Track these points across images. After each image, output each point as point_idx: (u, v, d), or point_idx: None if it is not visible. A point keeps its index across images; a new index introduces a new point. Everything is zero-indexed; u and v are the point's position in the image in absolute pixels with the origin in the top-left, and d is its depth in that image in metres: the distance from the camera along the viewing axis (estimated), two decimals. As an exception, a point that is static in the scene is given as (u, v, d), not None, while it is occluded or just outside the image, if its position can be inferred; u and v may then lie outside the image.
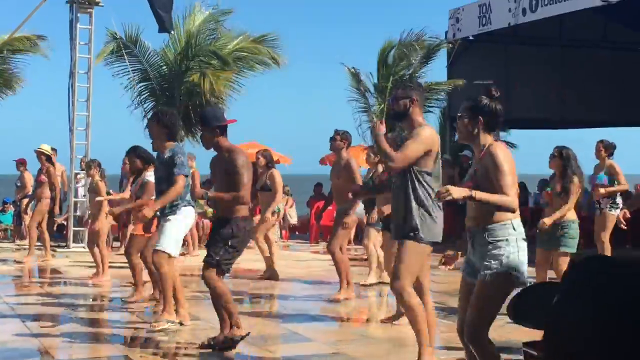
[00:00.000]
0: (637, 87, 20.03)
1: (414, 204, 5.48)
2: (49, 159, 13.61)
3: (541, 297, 1.17)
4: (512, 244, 4.44)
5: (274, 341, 7.17)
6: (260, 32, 18.99)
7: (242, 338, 6.47)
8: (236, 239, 6.39)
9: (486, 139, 4.62)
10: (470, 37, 18.83)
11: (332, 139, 9.25)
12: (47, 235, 13.23)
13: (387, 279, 9.58)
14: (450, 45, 18.77)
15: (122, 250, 11.74)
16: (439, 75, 19.85)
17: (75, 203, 15.14)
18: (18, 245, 15.60)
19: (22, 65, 18.98)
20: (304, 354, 6.53)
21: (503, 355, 5.63)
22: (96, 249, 10.74)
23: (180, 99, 17.89)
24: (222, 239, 6.40)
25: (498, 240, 4.44)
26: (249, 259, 11.22)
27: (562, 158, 7.98)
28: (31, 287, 10.46)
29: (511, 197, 4.40)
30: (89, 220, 11.15)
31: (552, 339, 1.10)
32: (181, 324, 7.47)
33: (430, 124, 6.14)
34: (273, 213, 10.82)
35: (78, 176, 15.19)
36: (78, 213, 14.98)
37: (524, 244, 4.53)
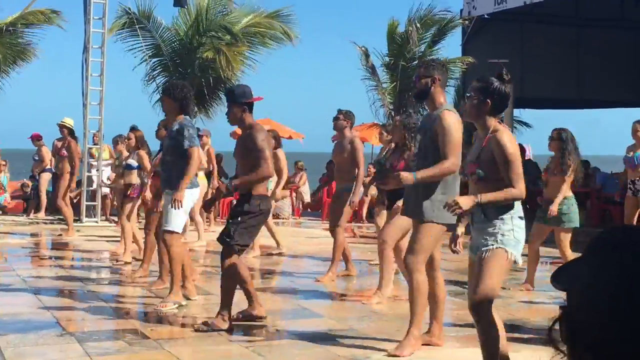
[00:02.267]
0: (653, 67, 19.86)
1: (432, 186, 5.51)
2: (71, 132, 13.62)
3: (578, 266, 1.18)
4: (508, 222, 4.55)
5: (284, 317, 7.20)
6: (274, 8, 18.95)
7: (259, 318, 6.56)
8: (249, 215, 6.37)
9: (491, 121, 4.65)
10: (486, 16, 18.68)
11: (336, 118, 9.24)
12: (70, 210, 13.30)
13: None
14: (466, 22, 18.63)
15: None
16: (454, 53, 19.76)
17: (89, 177, 15.19)
18: (31, 219, 15.67)
19: (36, 39, 19.00)
20: (314, 329, 6.55)
21: (510, 334, 5.67)
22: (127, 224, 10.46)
23: (195, 74, 17.87)
24: (235, 216, 6.42)
25: (494, 219, 4.55)
26: (260, 235, 11.24)
27: (561, 140, 8.05)
28: (44, 261, 10.53)
29: (518, 189, 4.50)
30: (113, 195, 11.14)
31: (573, 308, 1.10)
32: (188, 298, 7.51)
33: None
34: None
35: (91, 151, 15.24)
36: (91, 187, 15.05)
37: (521, 222, 4.63)
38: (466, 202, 4.48)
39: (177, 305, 7.23)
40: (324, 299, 8.22)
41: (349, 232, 13.29)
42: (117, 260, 10.15)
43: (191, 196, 7.44)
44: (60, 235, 13.01)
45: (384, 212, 10.18)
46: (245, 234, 6.40)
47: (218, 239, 6.55)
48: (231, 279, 6.43)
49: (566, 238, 8.11)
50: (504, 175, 4.51)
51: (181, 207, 7.13)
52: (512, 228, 4.55)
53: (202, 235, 11.93)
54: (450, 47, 26.05)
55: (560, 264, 1.27)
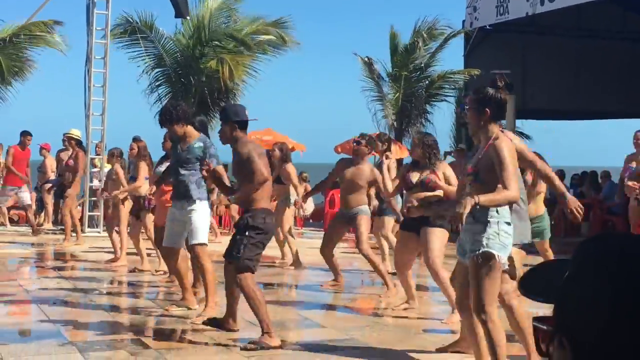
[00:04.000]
0: (655, 78, 19.88)
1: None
2: (79, 143, 13.67)
3: (553, 272, 1.18)
4: (494, 226, 4.68)
5: (286, 327, 7.19)
6: (274, 17, 19.04)
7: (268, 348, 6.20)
8: (254, 230, 6.27)
9: (493, 128, 4.81)
10: (488, 27, 18.73)
11: (358, 143, 8.92)
12: (74, 221, 13.33)
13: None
14: (466, 33, 18.69)
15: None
16: (456, 65, 19.82)
17: (91, 188, 15.21)
18: (36, 229, 15.66)
19: (39, 50, 19.02)
20: (316, 339, 6.55)
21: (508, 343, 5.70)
22: (115, 235, 10.76)
23: (198, 85, 17.91)
24: (239, 232, 6.34)
25: (481, 223, 4.69)
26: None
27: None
28: (47, 271, 10.53)
29: (511, 191, 4.60)
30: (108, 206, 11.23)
31: (561, 316, 1.10)
32: (188, 308, 7.52)
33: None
34: (289, 205, 10.84)
35: (94, 161, 15.27)
36: (94, 198, 15.07)
37: (508, 228, 4.75)
38: (468, 205, 4.53)
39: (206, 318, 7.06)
40: (325, 309, 8.22)
41: (351, 243, 13.28)
42: (135, 269, 10.15)
43: (208, 209, 7.49)
44: (61, 244, 13.03)
45: (387, 219, 10.11)
46: (253, 249, 6.30)
47: (225, 255, 6.47)
48: (251, 298, 6.22)
49: (548, 248, 8.39)
50: (499, 179, 4.62)
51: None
52: (498, 232, 4.68)
53: None
54: (453, 58, 26.11)
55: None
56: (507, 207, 4.74)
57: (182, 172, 7.30)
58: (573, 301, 1.10)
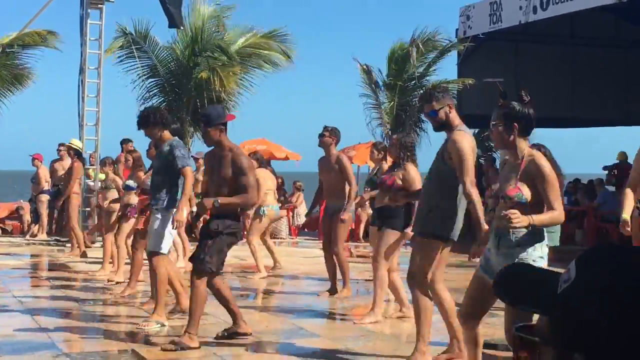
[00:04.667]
0: (648, 86, 19.94)
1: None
2: (78, 154, 13.65)
3: (535, 280, 1.17)
4: (538, 249, 4.58)
5: (279, 336, 7.17)
6: (269, 28, 19.02)
7: (244, 335, 6.60)
8: (222, 236, 6.37)
9: (523, 145, 4.65)
10: (481, 35, 18.78)
11: (321, 135, 9.14)
12: (77, 232, 13.30)
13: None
14: (462, 47, 18.74)
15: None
16: (449, 73, 19.86)
17: (85, 198, 15.19)
18: (28, 240, 15.65)
19: (33, 60, 19.06)
20: (310, 349, 6.53)
21: (491, 351, 5.76)
22: (113, 246, 10.53)
23: (191, 94, 17.91)
24: (208, 236, 6.40)
25: (526, 245, 4.56)
26: (265, 256, 11.23)
27: None
28: (40, 282, 10.50)
29: (559, 211, 4.52)
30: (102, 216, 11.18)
31: (569, 328, 1.09)
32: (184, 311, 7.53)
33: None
34: (258, 214, 10.79)
35: (88, 172, 15.24)
36: (87, 208, 15.04)
37: (547, 250, 4.68)
38: (524, 220, 4.41)
39: (159, 325, 7.27)
40: (320, 319, 8.20)
41: (347, 251, 13.27)
42: (109, 280, 10.13)
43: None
44: (67, 254, 12.99)
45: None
46: (220, 254, 6.39)
47: (190, 259, 6.61)
48: (196, 300, 6.35)
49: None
50: (544, 198, 4.51)
51: (182, 227, 7.24)
52: (542, 255, 4.58)
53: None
54: (446, 67, 26.08)
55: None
56: (545, 233, 4.65)
57: (155, 178, 7.43)
58: (573, 315, 1.09)
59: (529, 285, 1.17)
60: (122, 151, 11.57)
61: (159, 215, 7.31)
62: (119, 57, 17.90)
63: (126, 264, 10.62)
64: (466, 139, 5.50)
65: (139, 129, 7.59)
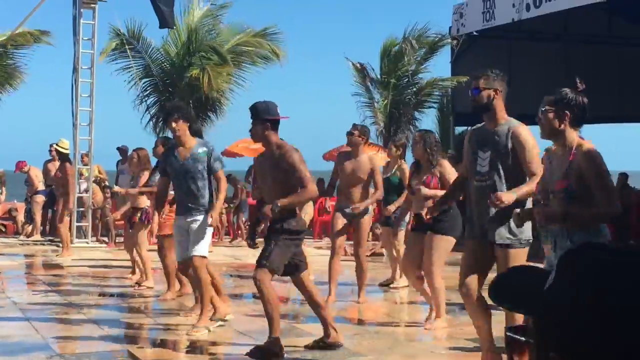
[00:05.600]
0: (641, 82, 19.98)
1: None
2: (64, 156, 13.59)
3: (525, 280, 1.17)
4: None
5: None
6: (262, 26, 19.00)
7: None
8: (286, 235, 6.15)
9: (573, 136, 4.34)
10: (474, 33, 18.78)
11: (350, 134, 8.59)
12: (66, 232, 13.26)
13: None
14: (454, 41, 18.73)
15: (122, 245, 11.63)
16: (443, 71, 19.86)
17: (79, 198, 15.15)
18: (22, 240, 15.62)
19: (26, 59, 19.02)
20: (306, 348, 6.52)
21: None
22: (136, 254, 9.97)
23: (183, 93, 17.88)
24: (274, 236, 6.17)
25: None
26: (255, 255, 11.21)
27: None
28: (35, 283, 10.47)
29: (613, 207, 4.22)
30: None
31: (546, 327, 1.09)
32: (223, 320, 7.33)
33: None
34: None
35: (81, 171, 15.21)
36: (81, 208, 15.01)
37: None
38: (556, 216, 4.18)
39: (207, 331, 7.00)
40: (315, 319, 8.17)
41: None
42: (139, 285, 9.67)
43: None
44: (58, 255, 12.94)
45: (402, 232, 9.63)
46: (282, 257, 6.16)
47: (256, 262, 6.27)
48: (269, 303, 6.13)
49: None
50: (596, 192, 4.21)
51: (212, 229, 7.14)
52: None
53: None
54: (439, 65, 26.11)
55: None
56: (607, 232, 4.37)
57: (190, 183, 7.11)
58: (549, 315, 1.09)
59: (520, 287, 1.17)
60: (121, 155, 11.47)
61: (199, 218, 7.07)
62: (112, 56, 17.84)
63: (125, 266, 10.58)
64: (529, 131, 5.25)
65: (166, 122, 7.51)
